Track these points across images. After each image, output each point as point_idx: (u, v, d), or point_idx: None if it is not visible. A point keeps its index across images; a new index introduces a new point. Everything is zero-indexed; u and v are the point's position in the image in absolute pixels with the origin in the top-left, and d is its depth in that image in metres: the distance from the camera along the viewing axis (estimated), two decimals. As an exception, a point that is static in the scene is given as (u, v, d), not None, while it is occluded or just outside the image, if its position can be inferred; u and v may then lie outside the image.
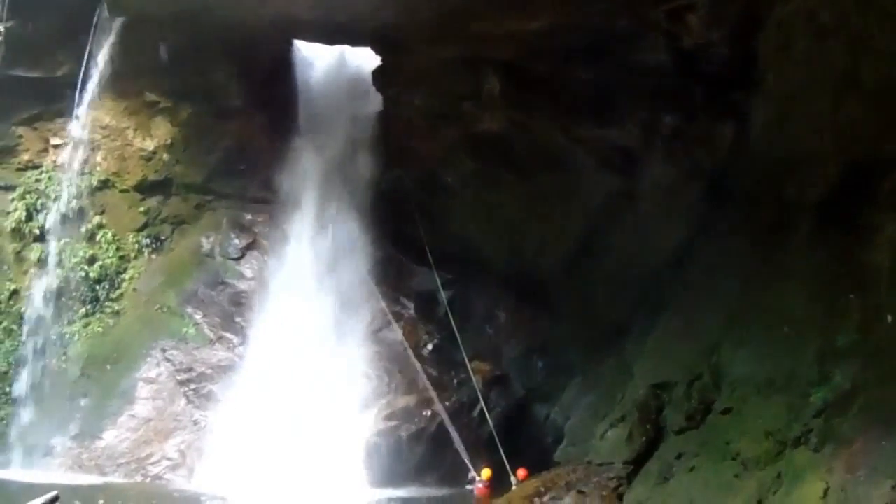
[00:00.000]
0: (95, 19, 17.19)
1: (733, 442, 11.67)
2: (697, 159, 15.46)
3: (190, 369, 17.47)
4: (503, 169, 17.82)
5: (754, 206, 13.81)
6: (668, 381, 14.20)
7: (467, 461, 16.15)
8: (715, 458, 11.84)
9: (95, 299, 18.34)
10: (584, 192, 17.10)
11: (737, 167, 14.52)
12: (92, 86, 17.77)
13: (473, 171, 18.15)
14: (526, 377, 18.55)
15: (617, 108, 15.49)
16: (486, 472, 16.03)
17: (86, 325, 18.14)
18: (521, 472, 15.53)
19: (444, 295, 18.41)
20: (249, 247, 19.12)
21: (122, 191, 19.01)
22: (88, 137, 18.41)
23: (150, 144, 18.92)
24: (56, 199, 18.16)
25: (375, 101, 18.75)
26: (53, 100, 18.10)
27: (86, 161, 18.44)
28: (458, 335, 17.69)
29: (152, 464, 16.35)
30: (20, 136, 18.49)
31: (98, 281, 18.38)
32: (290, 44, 19.49)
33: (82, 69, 17.46)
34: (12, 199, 18.23)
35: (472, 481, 16.04)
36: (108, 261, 18.49)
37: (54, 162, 18.43)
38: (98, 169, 18.79)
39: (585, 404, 16.78)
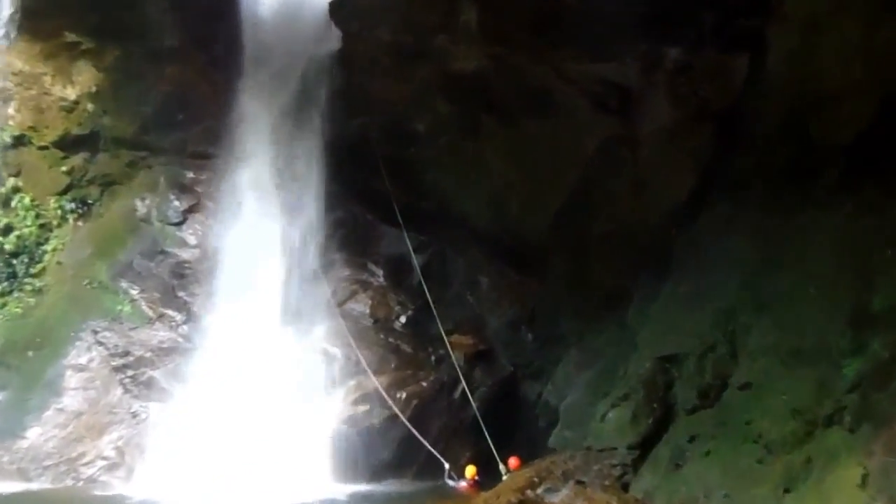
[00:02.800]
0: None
1: (755, 422, 11.64)
2: (706, 98, 15.31)
3: (126, 353, 17.30)
4: (482, 114, 17.71)
5: (773, 151, 13.78)
6: (678, 353, 14.16)
7: (438, 454, 16.25)
8: (734, 441, 11.82)
9: (13, 276, 18.19)
10: (577, 139, 16.96)
11: (752, 106, 14.43)
12: (0, 25, 17.76)
13: (448, 117, 18.03)
14: (513, 351, 18.56)
15: (613, 39, 15.23)
16: (470, 470, 15.95)
17: (2, 306, 17.93)
18: (512, 461, 15.45)
19: (417, 260, 18.47)
20: (192, 209, 19.00)
21: (41, 148, 18.96)
22: (-1, 86, 18.12)
23: (71, 93, 18.87)
24: (-40, 160, 17.93)
25: (334, 38, 18.60)
26: (-47, 43, 17.84)
27: (-5, 114, 18.18)
28: (433, 306, 17.74)
29: (85, 465, 16.14)
30: (-87, 88, 18.31)
31: (15, 254, 18.27)
32: (234, -30, 19.35)
33: (-13, 6, 17.15)
34: None
35: (452, 477, 16.02)
36: (27, 230, 18.41)
37: (-44, 116, 18.21)
38: (11, 123, 18.74)
39: (583, 381, 16.67)
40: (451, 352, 17.57)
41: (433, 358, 18.04)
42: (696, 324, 14.17)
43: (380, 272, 18.87)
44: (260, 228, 18.21)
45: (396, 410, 16.63)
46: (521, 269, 18.87)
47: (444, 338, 17.61)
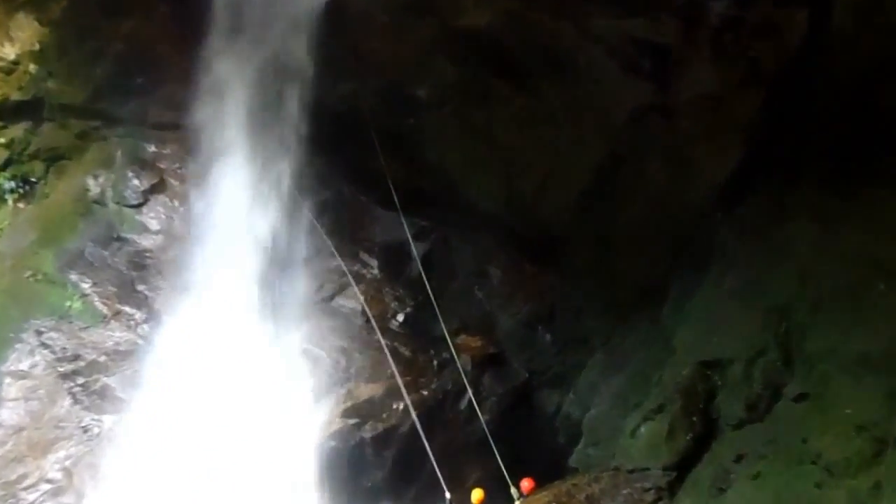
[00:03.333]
0: None
1: (812, 439, 11.76)
2: (757, 59, 15.24)
3: (76, 357, 17.15)
4: (494, 78, 17.66)
5: (835, 122, 13.80)
6: (721, 358, 14.31)
7: (440, 477, 15.69)
8: (788, 462, 11.90)
9: (-58, 267, 18.04)
10: (603, 108, 16.94)
11: (812, 69, 14.42)
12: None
13: (455, 82, 17.98)
14: (529, 355, 18.64)
15: (647, -10, 15.30)
16: (476, 494, 15.77)
17: (-71, 303, 17.80)
18: (526, 484, 15.30)
19: (417, 248, 18.49)
20: (154, 189, 18.94)
21: (-26, 117, 18.78)
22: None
23: (10, 52, 18.80)
24: None
25: (320, -11, 18.42)
26: None
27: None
28: (436, 302, 17.63)
29: (26, 489, 15.93)
30: None
31: (-55, 241, 18.12)
32: None
33: None
34: None
35: None
36: (-41, 213, 18.27)
37: None
38: (-62, 87, 18.57)
39: (610, 390, 16.81)
40: (456, 355, 17.53)
41: (435, 362, 18.11)
42: (744, 324, 14.24)
43: (374, 263, 18.88)
44: (234, 211, 18.07)
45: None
46: (537, 259, 18.86)
47: (448, 339, 17.58)
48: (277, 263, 18.13)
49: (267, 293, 17.86)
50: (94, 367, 17.21)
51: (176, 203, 18.81)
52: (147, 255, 18.54)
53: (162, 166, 19.23)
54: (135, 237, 18.70)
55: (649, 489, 13.36)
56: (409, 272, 18.86)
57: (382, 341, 17.54)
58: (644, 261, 17.24)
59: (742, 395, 13.42)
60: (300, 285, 18.20)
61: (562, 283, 18.74)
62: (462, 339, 18.30)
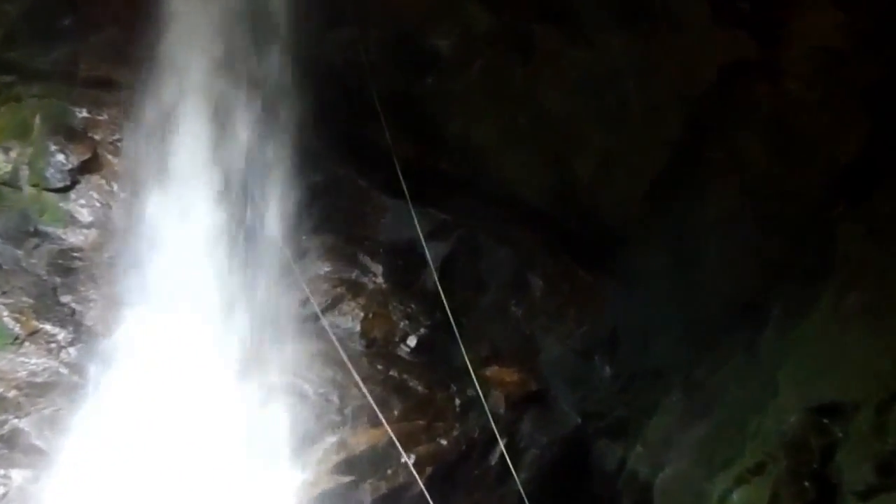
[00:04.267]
0: None
1: None
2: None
3: None
4: (538, 25, 17.69)
5: None
6: (843, 402, 14.18)
7: None
8: None
9: None
10: (687, 65, 16.99)
11: None
12: None
13: (486, 31, 18.01)
14: (582, 393, 18.47)
15: None
16: None
17: None
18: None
19: (433, 250, 18.42)
20: (85, 168, 18.72)
21: None
22: None
23: None
24: None
25: None
26: None
27: None
28: (459, 321, 17.63)
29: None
30: None
31: None
32: None
33: None
34: None
35: None
36: None
37: None
38: None
39: (691, 442, 16.65)
40: (483, 392, 17.42)
41: (457, 402, 17.93)
42: (873, 356, 14.17)
43: (377, 268, 18.75)
44: (195, 199, 18.02)
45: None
46: (594, 265, 18.80)
47: (471, 371, 17.41)
48: (249, 269, 18.03)
49: (234, 308, 17.70)
50: (2, 406, 17.01)
51: (114, 186, 18.59)
52: (75, 255, 18.40)
53: (96, 137, 18.99)
54: (58, 231, 18.51)
55: (746, 579, 13.34)
56: (424, 281, 18.74)
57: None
58: (737, 270, 17.17)
59: (872, 452, 13.27)
60: (279, 298, 18.03)
61: (626, 298, 18.53)
62: (493, 370, 18.14)
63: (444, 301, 17.74)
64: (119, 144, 18.91)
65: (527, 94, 18.24)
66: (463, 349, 17.44)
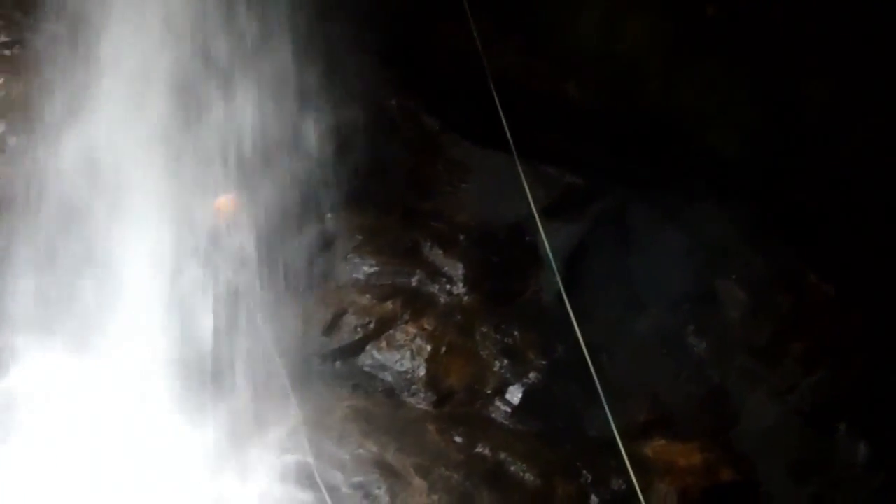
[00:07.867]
0: None
1: None
2: None
3: None
4: None
5: None
6: None
7: None
8: None
9: None
10: None
11: None
12: None
13: None
14: (817, 486, 14.38)
15: None
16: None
17: None
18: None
19: (555, 237, 14.17)
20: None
21: None
22: None
23: None
24: None
25: None
26: None
27: None
28: (592, 358, 13.28)
29: None
30: None
31: None
32: None
33: None
34: None
35: None
36: None
37: None
38: None
39: None
40: (638, 485, 12.73)
41: (595, 500, 13.55)
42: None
43: (456, 269, 14.45)
44: (131, 181, 14.47)
45: None
46: (834, 268, 14.84)
47: (623, 449, 12.86)
48: (229, 276, 14.09)
49: (204, 336, 13.55)
50: None
51: (17, 169, 15.61)
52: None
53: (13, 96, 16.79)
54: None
55: None
56: (537, 292, 14.44)
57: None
58: None
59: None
60: (282, 321, 13.83)
61: (886, 318, 14.02)
62: (657, 446, 13.64)
63: (575, 325, 13.07)
64: (32, 111, 15.73)
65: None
66: (607, 409, 12.88)
